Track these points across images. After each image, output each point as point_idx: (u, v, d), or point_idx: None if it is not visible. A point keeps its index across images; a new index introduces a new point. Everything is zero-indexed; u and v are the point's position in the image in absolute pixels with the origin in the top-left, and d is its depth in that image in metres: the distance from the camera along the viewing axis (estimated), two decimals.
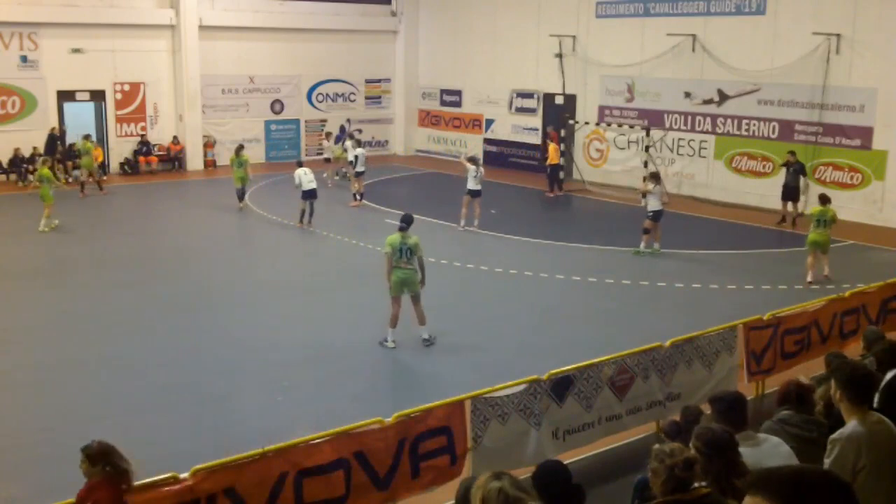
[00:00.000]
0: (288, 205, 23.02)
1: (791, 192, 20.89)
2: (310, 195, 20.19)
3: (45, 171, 20.32)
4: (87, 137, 25.20)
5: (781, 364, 10.58)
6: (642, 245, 18.02)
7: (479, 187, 20.17)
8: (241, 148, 23.64)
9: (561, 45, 27.70)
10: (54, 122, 26.75)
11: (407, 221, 12.68)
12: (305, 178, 20.17)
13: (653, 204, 17.97)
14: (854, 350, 9.56)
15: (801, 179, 20.89)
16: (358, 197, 23.25)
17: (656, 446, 4.69)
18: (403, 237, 12.43)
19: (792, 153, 21.13)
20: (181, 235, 20.20)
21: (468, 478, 5.68)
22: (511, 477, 3.67)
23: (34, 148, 26.04)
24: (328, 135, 28.96)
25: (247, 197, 23.48)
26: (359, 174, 23.27)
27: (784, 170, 21.18)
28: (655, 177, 18.46)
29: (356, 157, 23.39)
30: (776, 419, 6.06)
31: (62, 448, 9.40)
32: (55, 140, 26.22)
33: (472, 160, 20.83)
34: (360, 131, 32.60)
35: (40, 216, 19.74)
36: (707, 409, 6.70)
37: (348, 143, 25.26)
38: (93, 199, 24.46)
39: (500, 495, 3.55)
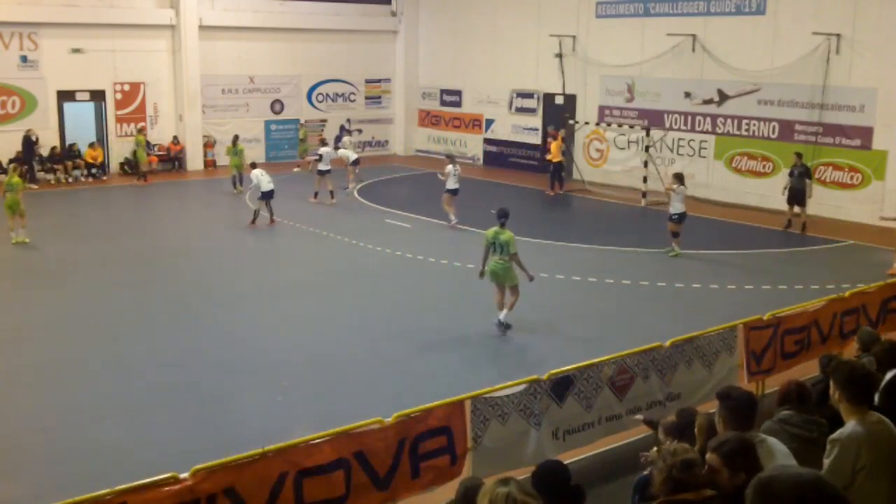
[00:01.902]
0: (288, 205, 23.05)
1: (797, 196, 20.30)
2: (268, 195, 20.29)
3: (17, 179, 18.91)
4: (140, 131, 27.08)
5: (781, 364, 10.57)
6: (676, 247, 17.92)
7: (458, 185, 20.64)
8: (237, 138, 25.69)
9: (561, 45, 27.71)
10: (55, 123, 26.75)
11: (503, 216, 12.90)
12: (263, 178, 20.26)
13: (677, 206, 17.87)
14: (852, 351, 9.54)
15: (808, 183, 20.31)
16: (324, 194, 23.33)
17: (663, 447, 4.69)
18: (497, 233, 12.79)
19: (798, 155, 20.74)
20: (181, 235, 20.20)
21: (468, 477, 5.68)
22: (517, 482, 3.69)
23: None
24: (348, 131, 28.89)
25: (241, 185, 24.35)
26: (321, 172, 23.32)
27: (788, 172, 20.81)
28: (680, 177, 18.26)
29: (320, 154, 23.62)
30: (777, 419, 6.05)
31: (62, 448, 9.42)
32: (31, 143, 25.85)
33: (451, 158, 21.28)
34: (360, 131, 32.74)
35: (9, 227, 18.67)
36: (704, 410, 6.71)
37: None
38: (93, 198, 24.53)
39: (507, 500, 3.56)
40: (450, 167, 20.58)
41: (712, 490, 4.47)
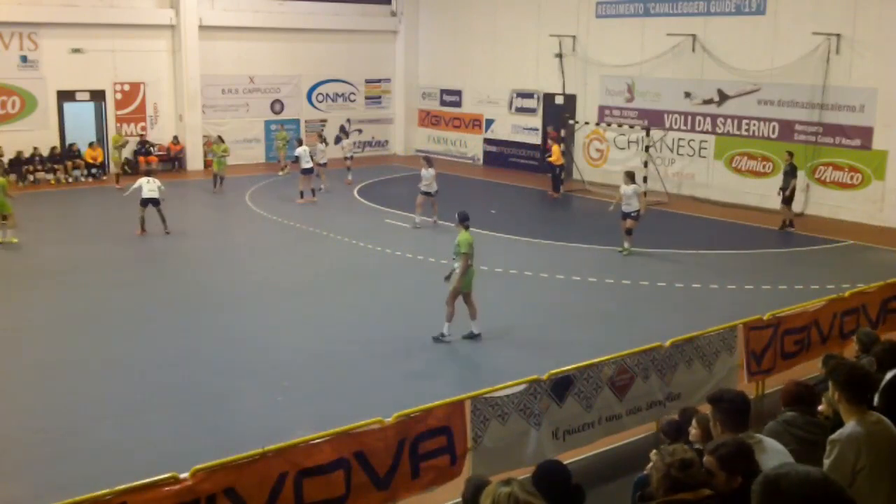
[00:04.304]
0: (287, 206, 23.08)
1: (781, 194, 20.54)
2: (148, 203, 19.48)
3: (2, 179, 19.05)
4: (118, 132, 27.18)
5: (781, 364, 10.58)
6: (627, 245, 18.00)
7: (437, 187, 20.61)
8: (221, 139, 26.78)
9: (561, 45, 27.70)
10: (54, 123, 26.74)
11: (469, 218, 12.78)
12: (146, 186, 19.59)
13: (634, 203, 17.86)
14: (852, 352, 9.56)
15: (791, 182, 20.39)
16: (307, 194, 23.43)
17: (662, 446, 4.70)
18: (471, 237, 12.65)
19: (789, 153, 20.87)
20: (181, 235, 20.17)
21: (476, 475, 5.66)
22: (520, 482, 3.70)
23: (34, 148, 26.08)
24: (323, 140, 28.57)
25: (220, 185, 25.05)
26: (305, 172, 23.41)
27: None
28: (631, 175, 18.24)
29: (297, 155, 23.69)
30: (781, 420, 6.02)
31: (62, 448, 9.42)
32: None
33: (429, 161, 21.00)
34: (359, 131, 32.74)
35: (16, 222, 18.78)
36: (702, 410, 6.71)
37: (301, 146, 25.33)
38: (93, 198, 24.52)
39: (510, 499, 3.57)
40: (432, 170, 20.49)
41: (710, 490, 4.47)
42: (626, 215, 17.96)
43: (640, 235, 18.93)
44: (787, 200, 20.54)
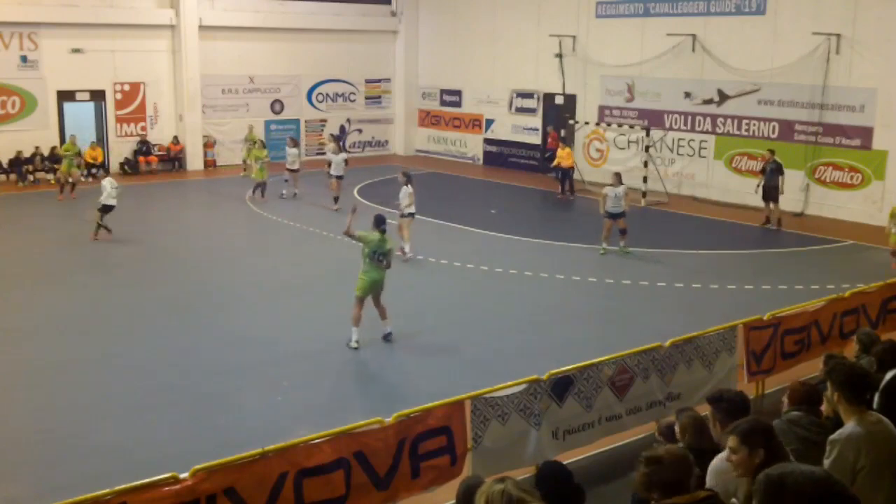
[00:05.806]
0: (288, 206, 23.08)
1: (771, 192, 20.67)
2: (110, 209, 18.93)
3: None
4: (72, 142, 25.40)
5: (781, 364, 10.59)
6: (621, 243, 17.98)
7: (414, 209, 17.96)
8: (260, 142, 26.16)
9: (561, 45, 27.70)
10: (54, 123, 26.74)
11: (384, 222, 12.60)
12: (114, 191, 18.92)
13: (622, 204, 17.74)
14: (852, 352, 9.55)
15: (780, 179, 20.55)
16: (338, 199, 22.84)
17: (653, 446, 4.69)
18: (382, 240, 12.36)
19: (770, 151, 21.07)
20: (181, 236, 20.19)
21: (469, 476, 5.68)
22: (514, 480, 3.71)
23: (35, 148, 26.09)
24: (334, 137, 28.37)
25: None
26: (338, 177, 22.86)
27: (760, 169, 21.27)
28: (618, 176, 18.16)
29: (344, 160, 23.17)
30: (785, 419, 6.02)
31: (62, 448, 9.42)
32: None
33: (408, 177, 18.13)
34: (360, 131, 32.77)
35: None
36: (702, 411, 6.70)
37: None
38: (93, 198, 24.49)
39: (503, 497, 3.57)
40: (409, 188, 17.74)
41: (707, 490, 4.47)
42: (615, 216, 17.88)
43: (641, 235, 18.96)
44: (776, 198, 20.63)
